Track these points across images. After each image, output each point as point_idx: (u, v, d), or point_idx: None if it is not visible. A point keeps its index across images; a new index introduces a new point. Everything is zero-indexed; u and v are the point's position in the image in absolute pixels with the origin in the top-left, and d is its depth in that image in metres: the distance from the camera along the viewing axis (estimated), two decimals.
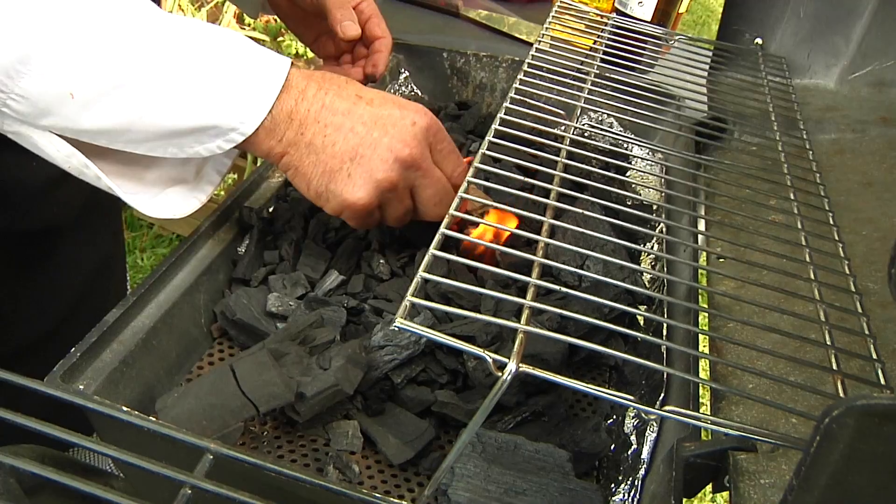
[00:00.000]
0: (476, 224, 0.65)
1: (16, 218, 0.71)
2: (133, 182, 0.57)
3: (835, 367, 0.47)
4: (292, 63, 0.57)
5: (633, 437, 0.56)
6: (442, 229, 0.50)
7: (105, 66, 0.49)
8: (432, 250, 0.48)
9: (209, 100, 0.53)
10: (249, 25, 2.15)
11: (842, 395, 0.45)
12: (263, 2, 0.84)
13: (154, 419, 0.41)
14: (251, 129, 0.55)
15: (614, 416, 0.59)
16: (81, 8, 0.49)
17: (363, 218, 0.60)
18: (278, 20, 2.25)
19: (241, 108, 0.54)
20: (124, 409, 0.41)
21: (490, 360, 0.41)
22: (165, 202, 0.58)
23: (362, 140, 0.57)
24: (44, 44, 0.47)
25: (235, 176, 1.89)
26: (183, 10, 1.98)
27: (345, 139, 0.57)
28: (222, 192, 1.74)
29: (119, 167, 0.56)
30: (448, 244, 0.53)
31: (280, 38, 2.13)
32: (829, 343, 0.48)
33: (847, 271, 0.56)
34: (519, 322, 0.44)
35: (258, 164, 0.78)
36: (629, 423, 0.57)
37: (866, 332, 0.50)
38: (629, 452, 0.55)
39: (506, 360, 0.41)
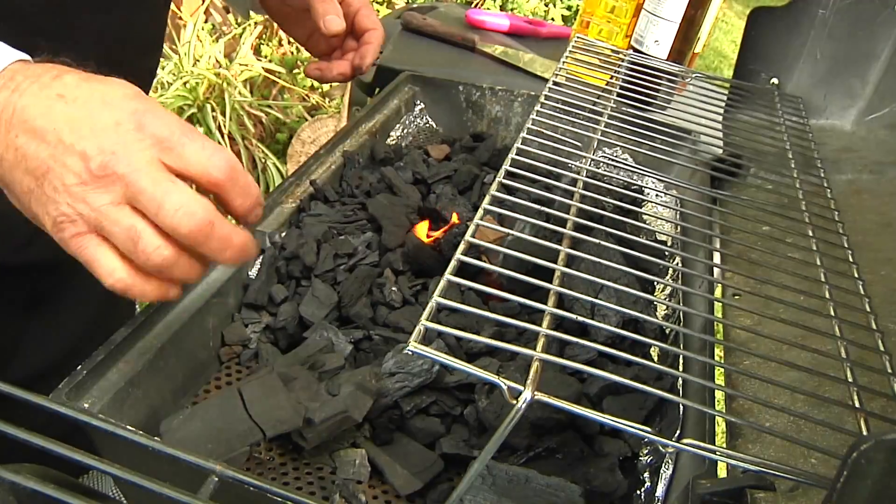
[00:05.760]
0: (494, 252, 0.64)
1: (22, 251, 0.70)
2: None
3: (857, 404, 0.45)
4: (21, 60, 0.46)
5: (646, 475, 0.55)
6: (458, 255, 0.50)
7: None
8: (448, 276, 0.48)
9: None
10: (266, 57, 2.17)
11: (865, 433, 0.43)
12: (254, 2, 0.84)
13: (158, 440, 0.40)
14: None
15: (629, 453, 0.58)
16: None
17: (83, 252, 0.45)
18: (295, 52, 2.28)
19: None
20: (129, 427, 0.40)
21: (505, 388, 0.40)
22: None
23: (54, 150, 0.45)
24: None
25: None
26: (201, 41, 2.01)
27: (36, 151, 0.45)
28: None
29: None
30: (463, 271, 0.52)
31: (296, 71, 2.16)
32: (850, 380, 0.47)
33: (868, 309, 0.55)
34: (534, 350, 0.43)
35: (269, 190, 0.78)
36: (643, 461, 0.56)
37: (889, 370, 0.49)
38: (643, 490, 0.54)
39: (521, 387, 0.40)
